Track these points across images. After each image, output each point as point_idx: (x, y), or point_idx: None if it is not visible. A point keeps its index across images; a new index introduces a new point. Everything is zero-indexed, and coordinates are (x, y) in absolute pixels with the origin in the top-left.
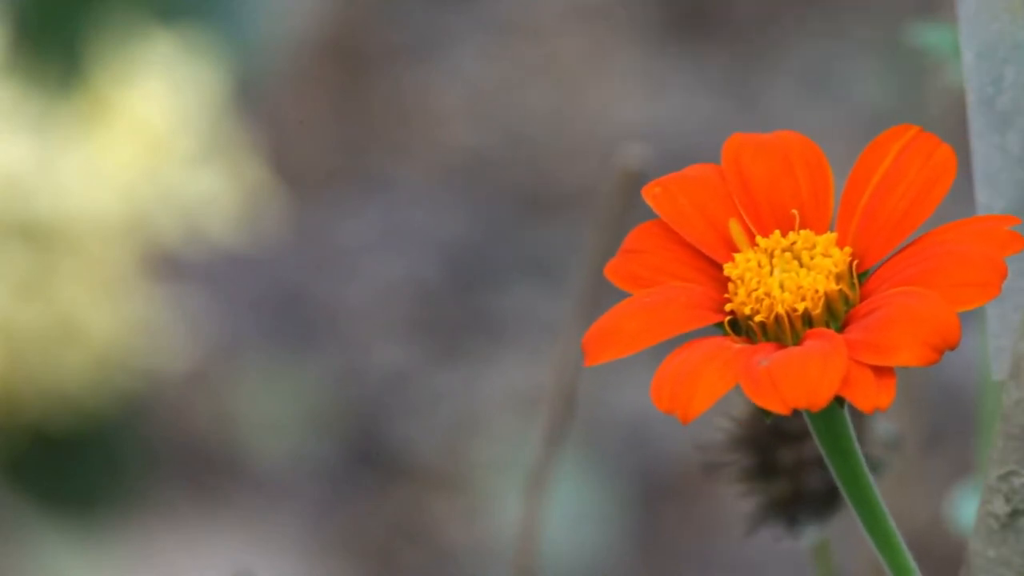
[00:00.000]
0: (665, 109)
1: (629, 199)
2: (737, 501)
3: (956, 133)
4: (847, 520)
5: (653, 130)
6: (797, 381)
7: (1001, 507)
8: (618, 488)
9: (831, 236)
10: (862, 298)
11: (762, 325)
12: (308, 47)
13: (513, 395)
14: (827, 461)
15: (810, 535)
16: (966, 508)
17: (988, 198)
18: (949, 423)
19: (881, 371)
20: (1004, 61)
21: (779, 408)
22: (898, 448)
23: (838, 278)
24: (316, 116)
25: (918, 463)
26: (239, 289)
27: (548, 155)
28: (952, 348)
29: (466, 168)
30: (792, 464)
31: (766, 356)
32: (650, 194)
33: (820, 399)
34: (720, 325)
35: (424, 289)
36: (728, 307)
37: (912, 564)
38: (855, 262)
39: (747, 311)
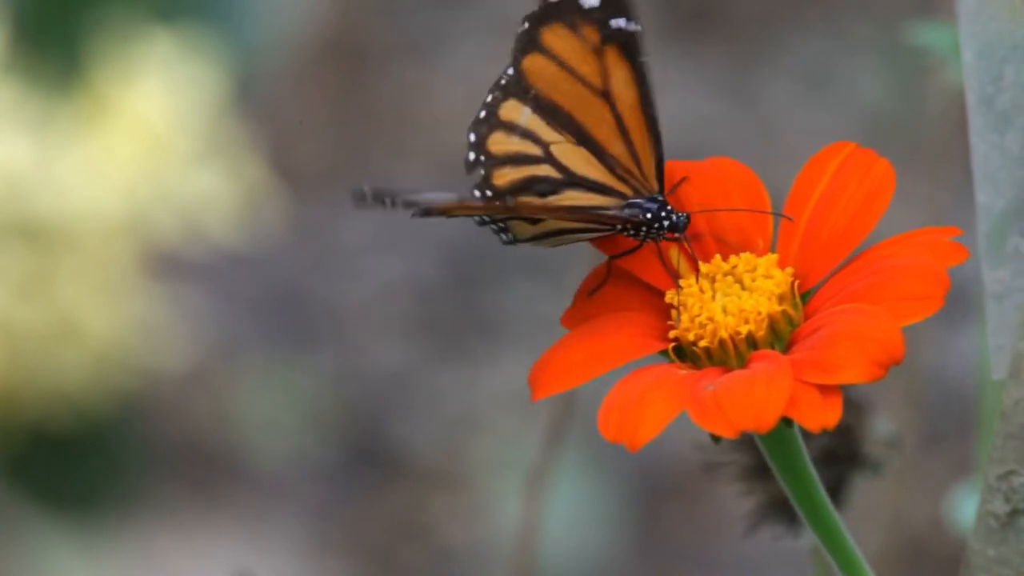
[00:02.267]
0: (664, 108)
1: None
2: (737, 500)
3: (956, 132)
4: (846, 518)
5: None
6: (743, 404)
7: (1001, 506)
8: (618, 488)
9: (772, 257)
10: (806, 317)
11: (707, 350)
12: (308, 47)
13: (513, 395)
14: (780, 481)
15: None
16: (966, 507)
17: (988, 197)
18: (949, 423)
19: (827, 389)
20: (1003, 60)
21: (726, 432)
22: (898, 448)
23: (781, 299)
24: (316, 115)
25: (918, 463)
26: (238, 288)
27: None
28: (897, 363)
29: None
30: None
31: (712, 381)
32: None
33: (766, 421)
34: (665, 352)
35: (424, 288)
36: (672, 334)
37: None
38: (797, 282)
39: (691, 337)
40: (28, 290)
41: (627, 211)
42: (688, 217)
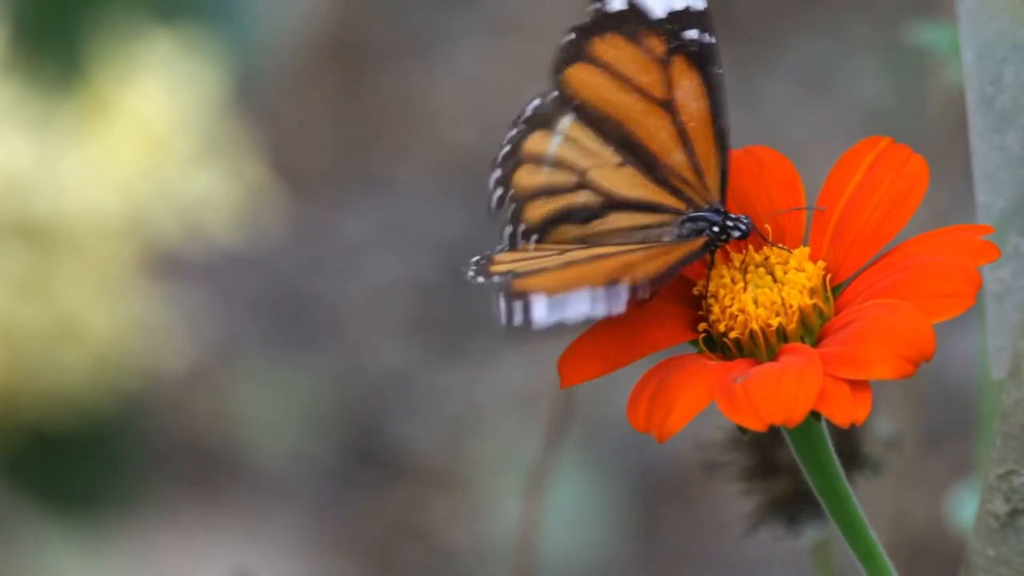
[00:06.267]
0: None
1: None
2: (737, 500)
3: (956, 132)
4: None
5: None
6: (772, 397)
7: (1001, 506)
8: (618, 488)
9: (804, 250)
10: (837, 311)
11: (737, 341)
12: (308, 47)
13: (513, 395)
14: (805, 474)
15: (810, 534)
16: (966, 507)
17: (988, 197)
18: (949, 423)
19: (857, 384)
20: (1003, 60)
21: (755, 425)
22: (898, 448)
23: (812, 292)
24: (316, 115)
25: (918, 463)
26: (239, 288)
27: None
28: (928, 360)
29: (466, 168)
30: (791, 463)
31: (742, 373)
32: None
33: (796, 415)
34: (695, 342)
35: (424, 288)
36: (702, 325)
37: (894, 574)
38: (829, 276)
39: (721, 328)
40: (28, 290)
41: (689, 226)
42: (751, 221)
